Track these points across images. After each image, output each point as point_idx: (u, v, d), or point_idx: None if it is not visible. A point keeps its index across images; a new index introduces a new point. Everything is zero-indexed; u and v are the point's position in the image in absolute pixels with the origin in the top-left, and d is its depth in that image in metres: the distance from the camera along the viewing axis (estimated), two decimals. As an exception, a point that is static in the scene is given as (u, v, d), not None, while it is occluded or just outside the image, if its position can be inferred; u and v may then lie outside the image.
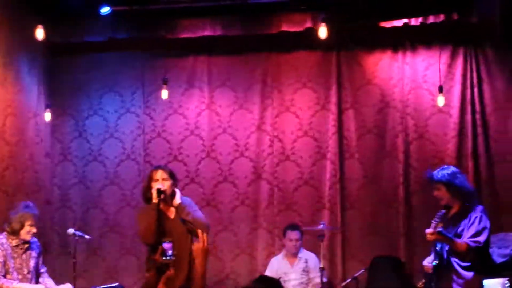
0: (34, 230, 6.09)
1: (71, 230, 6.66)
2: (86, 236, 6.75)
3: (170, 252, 5.39)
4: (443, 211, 5.72)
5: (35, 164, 7.94)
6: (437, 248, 5.75)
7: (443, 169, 5.96)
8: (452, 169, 5.97)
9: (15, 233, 6.03)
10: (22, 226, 6.03)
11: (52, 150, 8.40)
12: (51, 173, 8.38)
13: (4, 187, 7.27)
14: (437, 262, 5.69)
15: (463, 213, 5.81)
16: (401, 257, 7.63)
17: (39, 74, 8.09)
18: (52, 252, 8.23)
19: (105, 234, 8.31)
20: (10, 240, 6.03)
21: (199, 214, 5.84)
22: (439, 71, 7.78)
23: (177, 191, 5.78)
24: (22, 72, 7.73)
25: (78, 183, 8.41)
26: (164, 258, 5.42)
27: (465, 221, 5.77)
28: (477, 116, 7.79)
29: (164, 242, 5.41)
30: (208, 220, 6.04)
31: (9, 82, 7.47)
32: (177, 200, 5.70)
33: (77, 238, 6.58)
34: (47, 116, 8.04)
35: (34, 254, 6.18)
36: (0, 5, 7.20)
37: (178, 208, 5.69)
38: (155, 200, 5.61)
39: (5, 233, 6.07)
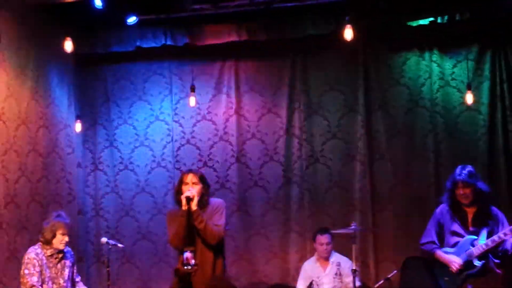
0: (66, 239, 6.16)
1: (104, 239, 6.73)
2: (119, 245, 6.82)
3: (192, 262, 5.39)
4: None
5: (68, 174, 8.05)
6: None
7: (471, 171, 5.96)
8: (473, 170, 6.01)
9: (48, 242, 6.10)
10: (54, 236, 6.10)
11: (84, 160, 8.51)
12: (84, 183, 8.49)
13: (38, 198, 7.39)
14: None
15: (486, 214, 5.94)
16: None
17: (68, 86, 8.21)
18: (86, 261, 8.33)
19: (137, 242, 8.38)
20: (44, 250, 6.10)
21: (219, 221, 5.74)
22: (467, 68, 7.73)
23: (196, 198, 5.68)
24: (52, 85, 7.86)
25: (110, 192, 8.50)
26: (186, 267, 5.43)
27: (492, 221, 5.92)
28: (507, 112, 7.70)
29: (186, 251, 5.41)
30: (222, 228, 5.78)
31: (40, 95, 7.60)
32: (193, 206, 5.65)
33: (110, 246, 6.65)
34: (78, 127, 8.14)
35: (68, 263, 6.24)
36: (28, 19, 7.32)
37: (193, 214, 5.63)
38: (184, 207, 5.63)
39: (39, 243, 6.15)
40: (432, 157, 7.83)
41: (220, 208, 5.81)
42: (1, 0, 6.68)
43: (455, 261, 5.90)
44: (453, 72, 7.87)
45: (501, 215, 6.02)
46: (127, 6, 6.52)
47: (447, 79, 7.89)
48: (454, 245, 6.01)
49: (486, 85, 7.76)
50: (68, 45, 7.17)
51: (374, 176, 7.99)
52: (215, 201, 5.93)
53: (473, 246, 5.87)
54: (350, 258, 7.16)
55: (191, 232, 5.61)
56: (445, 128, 7.87)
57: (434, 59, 7.94)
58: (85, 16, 7.37)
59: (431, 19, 7.48)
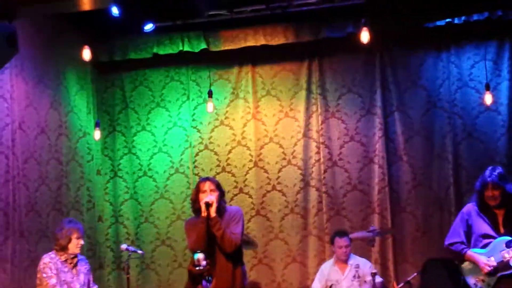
0: (81, 242, 6.22)
1: (124, 246, 6.76)
2: (139, 251, 6.84)
3: (203, 263, 5.40)
4: None
5: (87, 182, 8.10)
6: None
7: (502, 172, 5.92)
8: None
9: (63, 248, 6.15)
10: (69, 240, 6.15)
11: (103, 168, 8.55)
12: (103, 190, 8.53)
13: (59, 205, 7.44)
14: None
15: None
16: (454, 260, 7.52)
17: (87, 94, 8.27)
18: (106, 268, 8.37)
19: (157, 248, 8.41)
20: (59, 256, 6.16)
21: (236, 229, 5.70)
22: (485, 68, 7.69)
23: (215, 205, 5.65)
24: (71, 93, 7.92)
25: (129, 199, 8.54)
26: (197, 268, 5.44)
27: None
28: (527, 112, 7.67)
29: (196, 252, 5.43)
30: (239, 237, 5.71)
31: (59, 104, 7.67)
32: (212, 213, 5.63)
33: (130, 253, 6.67)
34: (97, 134, 8.18)
35: (83, 269, 6.28)
36: (46, 28, 7.39)
37: (212, 221, 5.61)
38: (204, 213, 5.63)
39: (53, 251, 6.20)
40: (451, 158, 7.80)
41: (237, 216, 5.77)
42: (19, 9, 6.73)
43: (488, 262, 5.84)
44: (471, 73, 7.83)
45: None
46: (144, 14, 6.55)
47: (465, 79, 7.85)
48: (484, 246, 5.92)
49: (505, 85, 7.72)
50: (86, 54, 7.23)
51: (392, 178, 7.97)
52: (232, 209, 5.90)
53: (508, 247, 5.82)
54: (369, 261, 7.15)
55: (210, 240, 5.61)
56: (463, 129, 7.83)
57: (452, 60, 7.90)
58: (103, 24, 7.41)
59: (448, 19, 7.44)
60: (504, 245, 5.83)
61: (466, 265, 5.98)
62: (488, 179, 5.90)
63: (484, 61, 7.74)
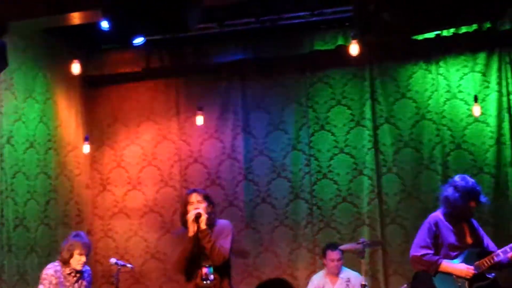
0: (83, 259, 6.13)
1: (113, 260, 6.72)
2: (129, 265, 6.80)
3: (211, 277, 5.37)
4: None
5: (76, 196, 8.06)
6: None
7: None
8: None
9: (66, 262, 6.09)
10: (71, 255, 6.08)
11: (92, 181, 8.52)
12: (92, 204, 8.49)
13: (47, 220, 7.40)
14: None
15: (475, 227, 5.98)
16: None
17: (76, 107, 8.25)
18: (96, 282, 8.29)
19: (146, 262, 8.38)
20: (63, 268, 6.09)
21: (225, 243, 5.62)
22: (474, 81, 7.75)
23: (204, 216, 5.57)
24: (60, 107, 7.90)
25: (119, 213, 8.50)
26: (205, 282, 5.41)
27: (480, 233, 6.03)
28: (516, 124, 7.71)
29: (204, 266, 5.38)
30: (227, 250, 5.63)
31: (49, 118, 7.64)
32: (202, 225, 5.55)
33: (119, 267, 6.63)
34: (86, 148, 8.15)
35: (85, 283, 6.23)
36: (36, 43, 7.37)
37: (202, 233, 5.54)
38: (191, 232, 5.53)
39: (58, 261, 6.13)
40: (440, 169, 7.82)
41: (226, 230, 5.71)
42: (8, 24, 6.71)
43: (468, 269, 5.81)
44: (460, 85, 7.87)
45: (480, 227, 6.07)
46: (133, 27, 6.54)
47: (454, 91, 7.89)
48: (454, 257, 5.90)
49: (493, 97, 7.75)
50: (76, 68, 7.23)
51: (382, 190, 7.98)
52: (222, 222, 5.82)
53: (481, 257, 5.83)
54: (360, 273, 7.15)
55: (198, 253, 5.56)
56: (452, 141, 7.86)
57: (440, 71, 7.95)
58: (92, 38, 7.41)
59: (437, 32, 7.49)
60: (476, 256, 5.84)
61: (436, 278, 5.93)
62: (478, 189, 5.91)
63: (472, 73, 7.79)
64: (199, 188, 6.33)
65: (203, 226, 5.55)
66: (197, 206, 5.61)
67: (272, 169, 8.25)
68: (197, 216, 5.55)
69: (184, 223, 5.70)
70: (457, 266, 5.86)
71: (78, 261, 6.09)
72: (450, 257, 5.92)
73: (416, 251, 5.97)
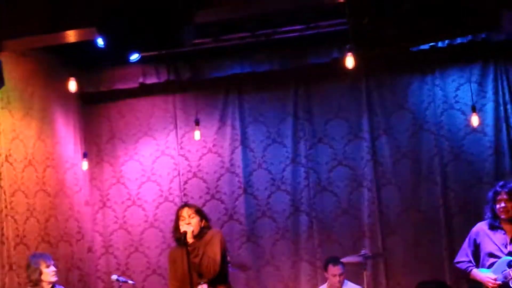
0: (53, 268, 6.11)
1: (114, 276, 6.72)
2: (130, 281, 6.81)
3: None
4: None
5: (76, 213, 8.05)
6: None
7: None
8: None
9: (37, 283, 6.03)
10: (40, 272, 6.04)
11: (92, 198, 8.52)
12: (92, 220, 8.49)
13: (47, 237, 7.39)
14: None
15: None
16: (446, 281, 7.52)
17: (74, 124, 8.26)
18: (98, 299, 8.30)
19: (148, 278, 8.36)
20: None
21: (215, 254, 5.48)
22: (471, 90, 7.76)
23: (189, 230, 5.46)
24: (58, 124, 7.90)
25: (119, 229, 8.50)
26: None
27: None
28: (513, 133, 7.72)
29: (199, 283, 5.35)
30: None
31: (47, 136, 7.64)
32: (189, 239, 5.43)
33: (121, 283, 6.62)
34: (84, 165, 8.17)
35: None
36: (32, 60, 7.39)
37: (189, 248, 5.42)
38: (182, 241, 5.46)
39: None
40: (439, 180, 7.82)
41: (214, 239, 5.56)
42: (4, 42, 6.74)
43: (490, 278, 5.79)
44: (456, 95, 7.89)
45: None
46: (129, 44, 6.57)
47: (451, 102, 7.91)
48: (490, 265, 5.88)
49: (490, 107, 7.78)
50: (72, 85, 7.25)
51: (381, 201, 7.98)
52: (211, 232, 5.66)
53: (510, 267, 5.80)
54: (362, 285, 7.13)
55: (192, 270, 5.41)
56: (451, 151, 7.87)
57: (437, 83, 7.96)
58: (88, 55, 7.42)
59: (432, 43, 7.50)
60: (506, 265, 5.81)
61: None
62: (500, 189, 5.86)
63: (469, 83, 7.80)
64: (191, 203, 6.28)
65: (189, 240, 5.44)
66: (189, 222, 5.52)
67: (271, 182, 8.25)
68: (184, 234, 5.44)
69: (177, 239, 5.62)
70: (482, 275, 5.87)
71: (50, 273, 6.06)
72: (486, 266, 5.91)
73: (456, 257, 6.15)
